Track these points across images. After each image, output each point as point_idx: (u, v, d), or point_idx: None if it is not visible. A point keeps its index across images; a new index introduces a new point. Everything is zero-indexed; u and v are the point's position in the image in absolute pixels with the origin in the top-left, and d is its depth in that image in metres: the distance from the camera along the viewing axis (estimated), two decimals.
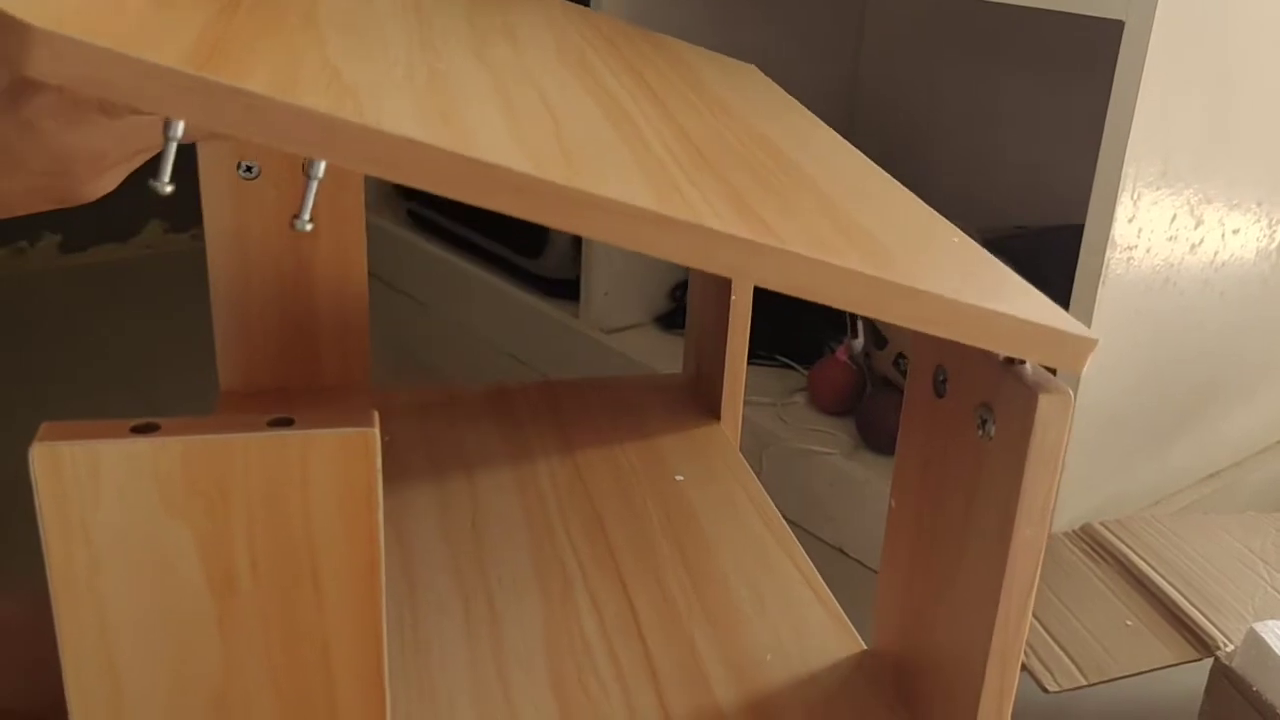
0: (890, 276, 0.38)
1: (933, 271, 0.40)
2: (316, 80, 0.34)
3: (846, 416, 1.29)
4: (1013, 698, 0.45)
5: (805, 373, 1.36)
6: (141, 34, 0.32)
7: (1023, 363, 0.42)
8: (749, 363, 0.72)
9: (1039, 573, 0.43)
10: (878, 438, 1.22)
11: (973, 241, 0.48)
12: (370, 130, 0.32)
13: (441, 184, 0.33)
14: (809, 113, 0.66)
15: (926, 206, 0.52)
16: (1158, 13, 0.87)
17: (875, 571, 1.20)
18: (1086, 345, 0.40)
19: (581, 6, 0.72)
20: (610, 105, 0.47)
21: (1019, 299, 0.41)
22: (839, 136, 0.62)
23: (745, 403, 0.79)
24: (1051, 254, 1.20)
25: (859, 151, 0.60)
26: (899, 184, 0.55)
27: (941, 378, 0.47)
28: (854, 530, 1.19)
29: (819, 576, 0.61)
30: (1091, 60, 1.35)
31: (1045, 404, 0.40)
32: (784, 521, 0.66)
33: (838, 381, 1.29)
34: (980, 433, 0.43)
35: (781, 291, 0.37)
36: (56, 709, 0.38)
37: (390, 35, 0.44)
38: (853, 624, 0.57)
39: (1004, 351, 0.40)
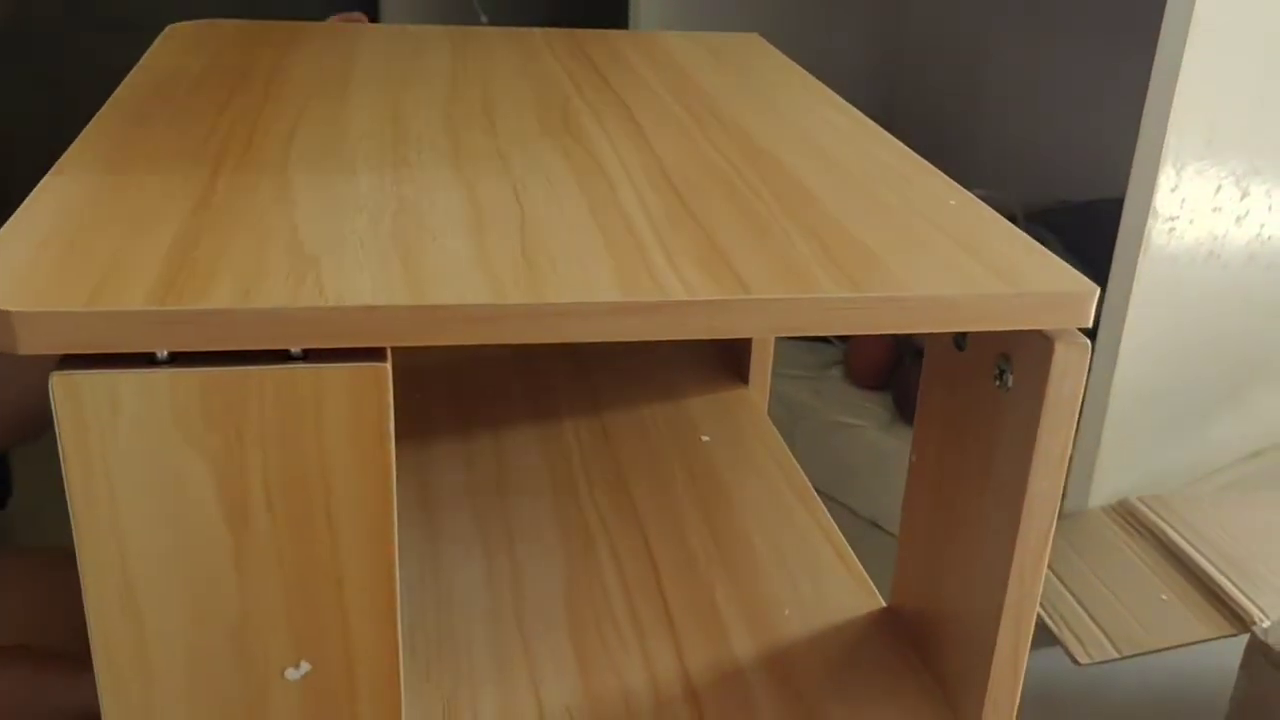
0: (874, 291, 0.38)
1: (924, 264, 0.40)
2: (280, 265, 0.37)
3: (884, 391, 1.28)
4: (1027, 652, 0.45)
5: (842, 346, 1.36)
6: (115, 269, 0.35)
7: None
8: (785, 336, 0.71)
9: (1054, 525, 0.42)
10: (913, 411, 1.22)
11: (970, 197, 0.48)
12: (328, 310, 0.34)
13: (403, 337, 0.35)
14: (807, 80, 0.66)
15: (920, 163, 0.52)
16: None
17: None
18: (1087, 298, 0.40)
19: (568, 30, 0.73)
20: (586, 166, 0.49)
21: (1020, 263, 0.41)
22: (837, 101, 0.62)
23: (780, 376, 0.79)
24: (1096, 228, 1.19)
25: (855, 113, 0.59)
26: (891, 141, 0.55)
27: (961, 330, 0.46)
28: (888, 503, 1.19)
29: (841, 536, 0.61)
30: (1140, 28, 1.33)
31: (1062, 353, 0.39)
32: (809, 483, 0.66)
33: (875, 355, 1.29)
34: (998, 384, 0.43)
35: (762, 336, 0.38)
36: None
37: (361, 164, 0.47)
38: (884, 596, 0.57)
39: (1010, 327, 0.40)
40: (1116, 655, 0.87)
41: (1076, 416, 0.41)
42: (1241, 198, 0.99)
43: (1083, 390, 0.40)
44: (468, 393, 0.73)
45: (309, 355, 0.35)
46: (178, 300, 0.34)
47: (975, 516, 0.46)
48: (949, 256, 0.41)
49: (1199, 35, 0.87)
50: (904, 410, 1.23)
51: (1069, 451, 0.41)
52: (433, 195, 0.44)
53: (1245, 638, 0.88)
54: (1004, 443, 0.43)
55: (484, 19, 1.54)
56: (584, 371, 0.76)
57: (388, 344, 0.35)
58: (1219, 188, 0.96)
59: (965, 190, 0.49)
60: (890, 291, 0.38)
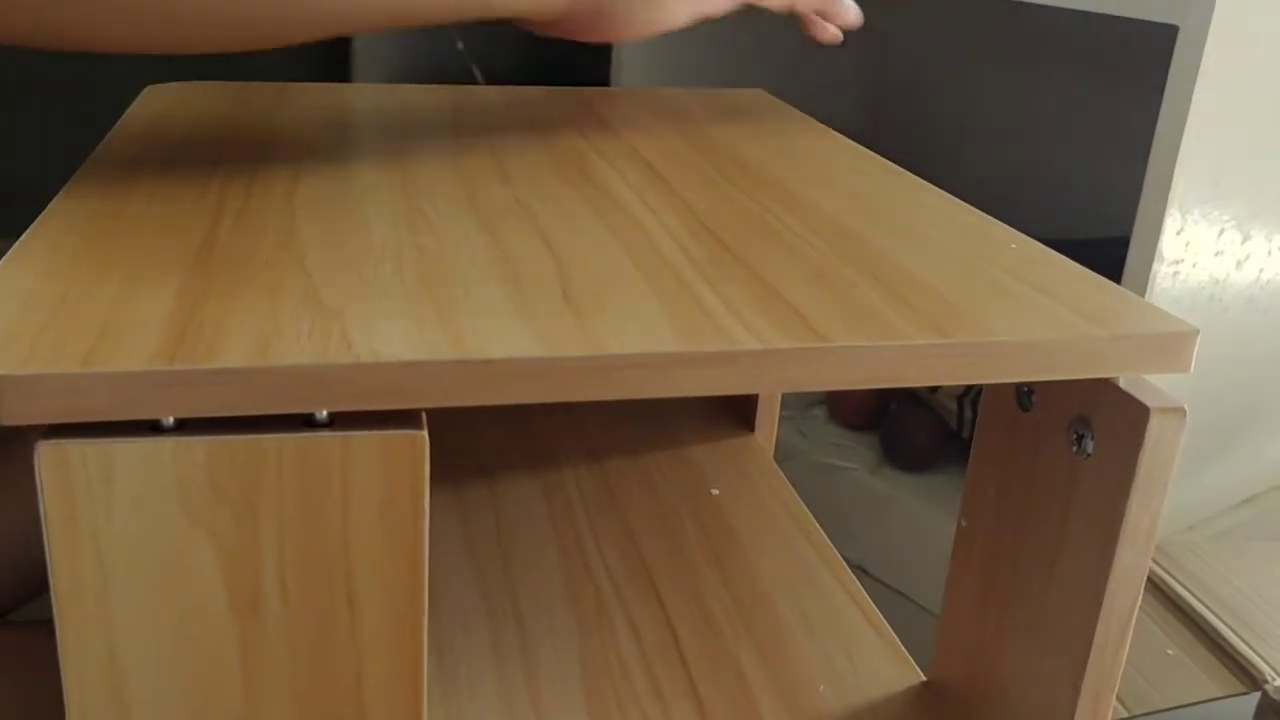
0: (961, 336, 0.35)
1: (1006, 309, 0.37)
2: (299, 319, 0.32)
3: (869, 431, 1.25)
4: None
5: None
6: (112, 327, 0.31)
7: None
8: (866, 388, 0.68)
9: (1139, 602, 0.39)
10: (902, 454, 1.19)
11: (1031, 241, 0.45)
12: (360, 367, 0.30)
13: (445, 396, 0.31)
14: (826, 131, 0.63)
15: (968, 209, 0.49)
16: (1214, 19, 0.84)
17: (898, 591, 1.16)
18: (1189, 340, 0.37)
19: (569, 89, 0.69)
20: (616, 215, 0.44)
21: (1106, 305, 0.38)
22: (859, 149, 0.59)
23: None
24: (1093, 268, 1.16)
25: (882, 160, 0.57)
26: (932, 188, 0.52)
27: (1026, 389, 0.43)
28: (876, 549, 1.16)
29: (868, 598, 0.57)
30: (1131, 67, 1.32)
31: (1159, 421, 0.36)
32: (829, 540, 0.62)
33: (860, 394, 1.26)
34: (1075, 449, 0.39)
35: (847, 389, 0.34)
36: None
37: (373, 215, 0.42)
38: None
39: (1106, 374, 0.37)
40: (1126, 714, 0.84)
41: (1168, 488, 0.37)
42: (1243, 241, 0.97)
43: (1177, 459, 0.37)
44: (458, 440, 0.68)
45: (335, 421, 0.31)
46: (186, 359, 0.29)
47: (1043, 590, 0.42)
48: (1028, 300, 0.38)
49: (1206, 78, 0.85)
50: (891, 453, 1.20)
51: (1159, 524, 0.38)
52: (456, 245, 0.40)
53: (1255, 696, 0.86)
54: (1082, 513, 0.40)
55: (480, 78, 1.50)
56: (578, 417, 0.72)
57: (426, 405, 0.31)
58: (1222, 231, 0.94)
59: (1021, 234, 0.46)
60: (981, 337, 0.34)
